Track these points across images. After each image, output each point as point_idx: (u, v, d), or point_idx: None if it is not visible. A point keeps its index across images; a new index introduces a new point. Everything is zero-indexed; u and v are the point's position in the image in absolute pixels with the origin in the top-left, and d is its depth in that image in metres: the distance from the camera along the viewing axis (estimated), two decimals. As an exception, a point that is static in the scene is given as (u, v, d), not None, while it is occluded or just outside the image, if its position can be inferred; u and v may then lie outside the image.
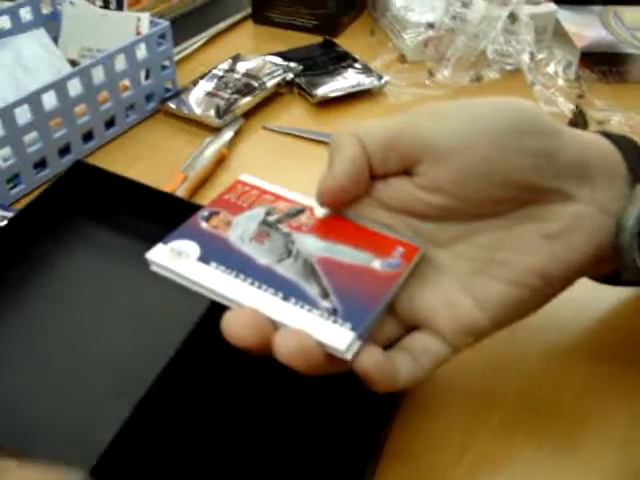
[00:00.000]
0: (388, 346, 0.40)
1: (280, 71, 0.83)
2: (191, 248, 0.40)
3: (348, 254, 0.41)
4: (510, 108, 0.40)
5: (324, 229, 0.43)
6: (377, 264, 0.40)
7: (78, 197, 0.58)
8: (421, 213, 0.42)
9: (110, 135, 0.76)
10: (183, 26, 0.94)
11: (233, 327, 0.35)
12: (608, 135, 0.44)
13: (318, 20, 0.97)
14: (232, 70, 0.84)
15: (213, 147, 0.72)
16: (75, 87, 0.70)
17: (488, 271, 0.41)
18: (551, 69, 0.89)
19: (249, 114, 0.79)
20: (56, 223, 0.58)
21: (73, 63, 0.81)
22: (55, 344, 0.50)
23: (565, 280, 0.42)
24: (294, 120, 0.80)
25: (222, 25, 0.97)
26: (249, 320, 0.36)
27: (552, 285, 0.41)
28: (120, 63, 0.74)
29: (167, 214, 0.55)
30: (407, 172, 0.42)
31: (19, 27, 0.82)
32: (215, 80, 0.82)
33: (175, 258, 0.40)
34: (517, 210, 0.41)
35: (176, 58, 0.85)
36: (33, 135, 0.68)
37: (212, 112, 0.76)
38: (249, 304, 0.37)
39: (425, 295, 0.41)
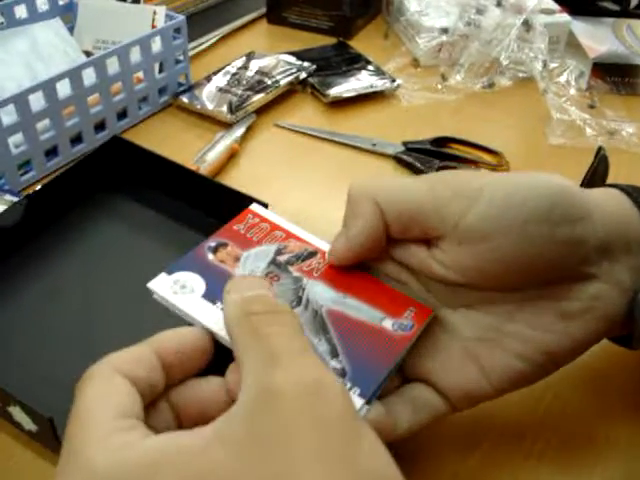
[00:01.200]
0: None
1: (293, 70, 0.83)
2: (196, 282, 0.39)
3: (359, 309, 0.39)
4: (542, 191, 0.38)
5: (336, 277, 0.41)
6: (388, 324, 0.39)
7: (110, 172, 0.59)
8: (435, 278, 0.41)
9: (122, 126, 0.76)
10: (198, 23, 0.95)
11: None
12: (626, 190, 0.42)
13: (333, 22, 0.97)
14: (246, 67, 0.84)
15: (225, 142, 0.72)
16: (89, 77, 0.70)
17: (497, 341, 0.40)
18: (563, 78, 0.89)
19: (261, 111, 0.80)
20: (85, 196, 0.58)
21: (87, 54, 0.81)
22: (79, 315, 0.51)
23: (572, 357, 0.41)
24: (306, 119, 0.80)
25: (237, 23, 0.98)
26: None
27: (558, 362, 0.41)
28: (135, 55, 0.74)
29: (196, 194, 0.57)
30: (427, 241, 0.41)
31: (35, 17, 0.82)
32: (228, 76, 0.82)
33: (178, 292, 0.38)
34: (532, 289, 0.40)
35: (190, 54, 0.85)
36: (46, 122, 0.68)
37: (224, 108, 0.76)
38: None
39: (432, 355, 0.41)
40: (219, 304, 0.37)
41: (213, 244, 0.42)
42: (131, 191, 0.59)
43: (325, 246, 0.43)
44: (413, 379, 0.41)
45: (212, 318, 0.36)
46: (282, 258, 0.42)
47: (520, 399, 0.45)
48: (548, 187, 0.38)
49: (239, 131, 0.74)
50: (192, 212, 0.57)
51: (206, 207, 0.56)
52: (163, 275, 0.39)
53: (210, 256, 0.41)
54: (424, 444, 0.45)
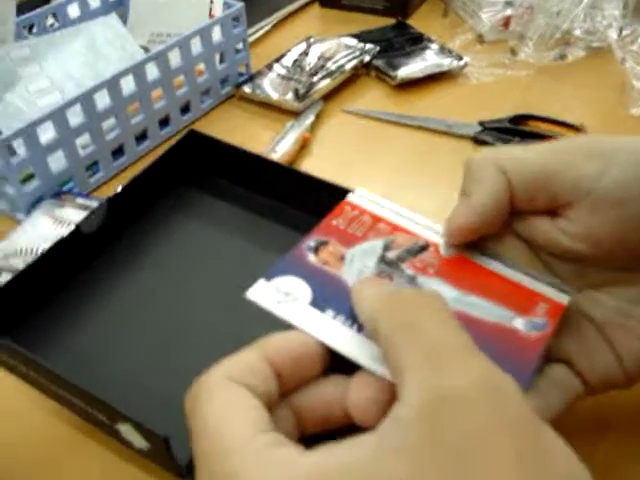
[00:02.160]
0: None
1: (356, 53, 0.80)
2: (300, 288, 0.35)
3: (485, 308, 0.35)
4: None
5: (454, 273, 0.37)
6: (520, 323, 0.34)
7: (189, 168, 0.57)
8: (560, 255, 0.38)
9: (186, 121, 0.74)
10: (250, 10, 0.91)
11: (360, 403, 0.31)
12: None
13: (388, 1, 0.93)
14: (306, 53, 0.81)
15: (295, 131, 0.69)
16: (152, 71, 0.67)
17: (629, 326, 0.37)
18: (636, 46, 0.84)
19: (327, 97, 0.76)
20: (166, 195, 0.56)
21: (143, 49, 0.78)
22: (165, 313, 0.48)
23: None
24: (373, 103, 0.77)
25: (289, 8, 0.94)
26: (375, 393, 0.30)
27: None
28: (196, 46, 0.71)
29: (281, 186, 0.54)
30: (551, 212, 0.37)
31: (88, 14, 0.80)
32: (290, 63, 0.79)
33: (282, 300, 0.34)
34: None
35: (247, 42, 0.82)
36: (111, 121, 0.65)
37: (290, 96, 0.73)
38: (379, 370, 0.30)
39: (572, 336, 0.38)
40: (330, 312, 0.33)
41: (313, 243, 0.37)
42: (212, 187, 0.56)
43: (436, 237, 0.39)
44: (554, 360, 0.38)
45: (325, 329, 0.32)
46: (392, 254, 0.37)
47: None
48: None
49: (309, 119, 0.71)
50: (278, 206, 0.54)
51: (292, 200, 0.53)
52: (262, 282, 0.34)
53: (311, 257, 0.36)
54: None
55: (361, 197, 0.41)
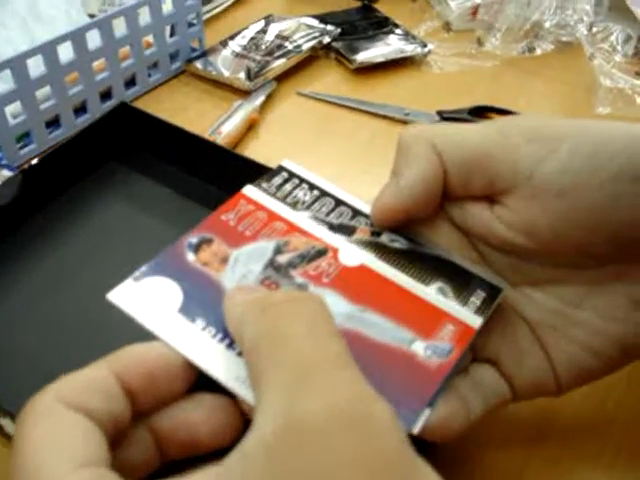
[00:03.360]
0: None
1: (316, 34, 0.76)
2: (171, 292, 0.30)
3: (381, 328, 0.31)
4: (632, 143, 0.31)
5: (351, 284, 0.33)
6: (420, 348, 0.30)
7: (116, 141, 0.53)
8: (496, 246, 0.35)
9: (130, 95, 0.70)
10: (211, -16, 0.88)
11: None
12: None
13: (356, -17, 0.90)
14: (264, 31, 0.77)
15: (243, 111, 0.65)
16: (94, 40, 0.63)
17: (564, 329, 0.35)
18: (607, 44, 0.81)
19: (282, 78, 0.73)
20: (88, 170, 0.52)
21: (93, 18, 0.74)
22: (80, 294, 0.44)
23: None
24: (330, 87, 0.74)
25: (253, -15, 0.90)
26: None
27: (631, 356, 0.35)
28: (144, 17, 0.67)
29: (213, 167, 0.50)
30: (489, 198, 0.34)
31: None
32: (245, 41, 0.75)
33: (148, 305, 0.29)
34: (608, 265, 0.34)
35: (204, 17, 0.78)
36: (46, 90, 0.61)
37: (242, 74, 0.70)
38: (242, 393, 0.27)
39: (501, 335, 0.35)
40: (200, 322, 0.29)
41: (194, 240, 0.33)
42: (139, 164, 0.53)
43: (337, 240, 0.35)
44: (480, 359, 0.35)
45: (190, 341, 0.28)
46: (282, 259, 0.33)
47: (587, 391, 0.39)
48: None
49: (258, 100, 0.68)
50: (208, 188, 0.51)
51: (225, 183, 0.50)
52: (129, 282, 0.30)
53: (190, 256, 0.32)
54: (482, 439, 0.39)
55: (257, 192, 0.37)
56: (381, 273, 0.34)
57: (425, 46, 0.78)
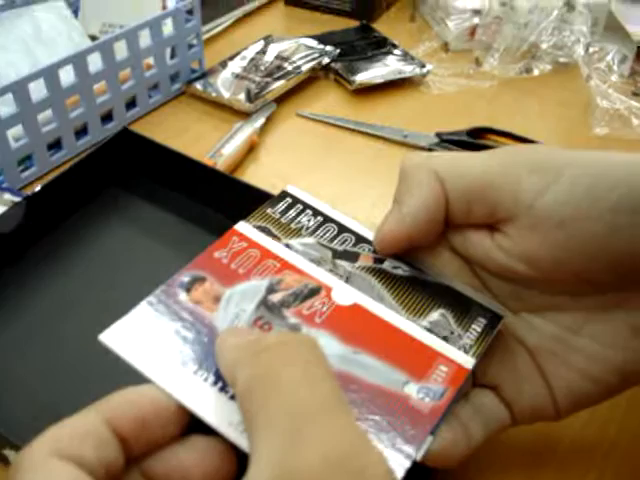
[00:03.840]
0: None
1: (315, 55, 0.77)
2: (163, 333, 0.30)
3: (374, 370, 0.31)
4: (632, 173, 0.31)
5: (344, 324, 0.32)
6: (412, 390, 0.30)
7: (118, 166, 0.53)
8: (494, 273, 0.35)
9: (131, 117, 0.70)
10: (210, 5, 0.88)
11: None
12: None
13: (354, 3, 0.90)
14: (263, 52, 0.78)
15: (243, 133, 0.66)
16: (95, 63, 0.64)
17: (563, 355, 0.35)
18: (603, 64, 0.82)
19: (281, 100, 0.73)
20: (92, 195, 0.52)
21: (93, 39, 0.75)
22: (84, 323, 0.44)
23: None
24: (329, 108, 0.74)
25: (252, 5, 0.91)
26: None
27: (630, 382, 0.35)
28: (144, 39, 0.68)
29: (214, 193, 0.50)
30: (490, 226, 0.35)
31: (36, -2, 0.76)
32: (245, 62, 0.76)
33: (139, 348, 0.29)
34: (608, 293, 0.34)
35: (203, 38, 0.79)
36: (48, 113, 0.62)
37: (242, 96, 0.70)
38: (236, 439, 0.26)
39: (501, 361, 0.35)
40: (192, 365, 0.29)
41: (186, 279, 0.32)
42: (142, 189, 0.53)
43: (330, 279, 0.34)
44: (480, 384, 0.35)
45: (183, 386, 0.28)
46: (275, 297, 0.33)
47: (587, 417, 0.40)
48: None
49: (258, 122, 0.68)
50: (210, 213, 0.51)
51: (227, 208, 0.50)
52: (121, 323, 0.30)
53: (182, 296, 0.32)
54: (483, 465, 0.40)
55: (250, 228, 0.37)
56: (374, 312, 0.34)
57: (424, 66, 0.78)
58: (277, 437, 0.22)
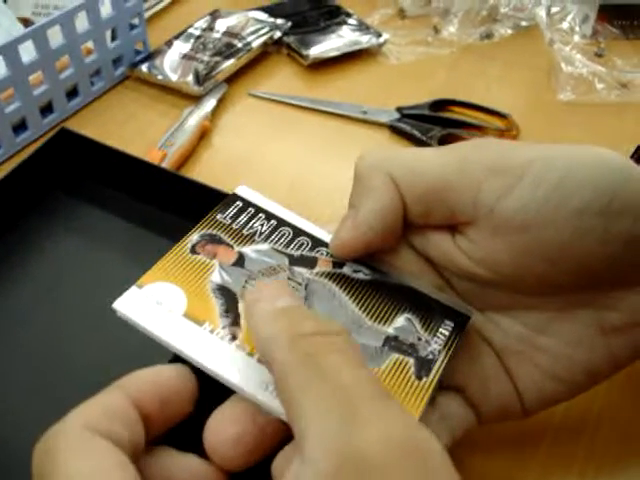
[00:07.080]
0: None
1: (266, 29, 0.73)
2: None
3: None
4: (603, 175, 0.30)
5: None
6: None
7: (60, 169, 0.49)
8: (456, 274, 0.34)
9: (73, 107, 0.66)
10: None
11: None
12: None
13: (304, -30, 0.86)
14: (211, 28, 0.73)
15: (194, 119, 0.62)
16: (29, 52, 0.59)
17: (528, 356, 0.34)
18: (565, 25, 0.79)
19: (232, 79, 0.69)
20: (33, 202, 0.49)
21: (26, 22, 0.70)
22: (34, 336, 0.42)
23: (614, 373, 0.34)
24: (284, 85, 0.70)
25: (196, -23, 0.86)
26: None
27: (596, 380, 0.34)
28: (81, 22, 0.63)
29: (163, 193, 0.47)
30: (450, 227, 0.33)
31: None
32: (192, 40, 0.72)
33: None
34: (573, 293, 0.32)
35: (145, 16, 0.74)
36: (-20, 109, 0.57)
37: (190, 78, 0.66)
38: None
39: (463, 363, 0.34)
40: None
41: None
42: (86, 193, 0.49)
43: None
44: (447, 386, 0.34)
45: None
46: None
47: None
48: (610, 170, 0.30)
49: (209, 105, 0.64)
50: (158, 213, 0.47)
51: (179, 208, 0.47)
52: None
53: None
54: (473, 445, 0.38)
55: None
56: None
57: (380, 36, 0.75)
58: (331, 420, 0.22)
